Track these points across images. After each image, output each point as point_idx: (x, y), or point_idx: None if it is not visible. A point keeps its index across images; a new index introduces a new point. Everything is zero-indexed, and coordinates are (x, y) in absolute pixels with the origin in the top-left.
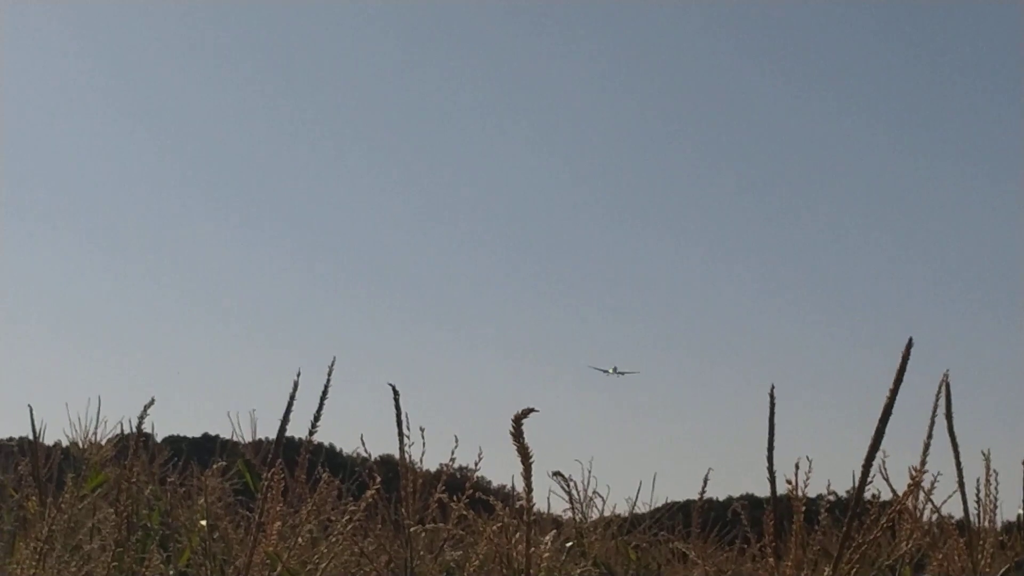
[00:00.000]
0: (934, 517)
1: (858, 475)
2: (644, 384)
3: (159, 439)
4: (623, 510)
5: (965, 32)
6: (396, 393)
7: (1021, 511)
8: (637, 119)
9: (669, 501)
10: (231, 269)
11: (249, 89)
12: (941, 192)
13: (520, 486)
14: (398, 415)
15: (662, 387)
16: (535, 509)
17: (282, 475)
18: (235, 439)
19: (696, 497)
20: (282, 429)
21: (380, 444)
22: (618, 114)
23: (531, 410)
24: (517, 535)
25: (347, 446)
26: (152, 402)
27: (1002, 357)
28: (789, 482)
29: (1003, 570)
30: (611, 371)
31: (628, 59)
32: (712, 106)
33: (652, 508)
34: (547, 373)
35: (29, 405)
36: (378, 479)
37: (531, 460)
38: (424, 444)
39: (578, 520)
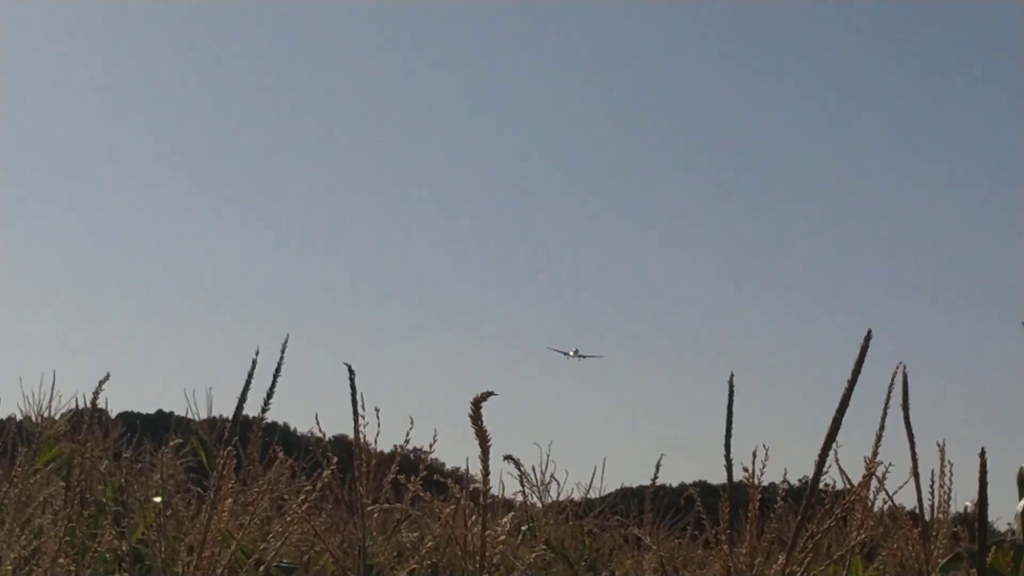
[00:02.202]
0: (887, 507)
1: (814, 464)
2: (604, 369)
3: (113, 415)
4: (577, 495)
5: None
6: (352, 372)
7: (969, 504)
8: (610, 102)
9: (623, 486)
10: (189, 245)
11: (222, 64)
12: (902, 182)
13: (474, 469)
14: (353, 395)
15: (622, 372)
16: (489, 493)
17: (236, 453)
18: (190, 416)
19: (649, 483)
20: (239, 407)
21: (335, 424)
22: (588, 95)
23: (490, 393)
24: (473, 518)
25: (301, 425)
26: (107, 377)
27: (960, 350)
28: (746, 470)
29: (946, 559)
30: (571, 354)
31: (614, 50)
32: (675, 84)
33: (605, 493)
34: (506, 356)
35: None
36: (334, 459)
37: (489, 444)
38: (379, 424)
39: (531, 504)
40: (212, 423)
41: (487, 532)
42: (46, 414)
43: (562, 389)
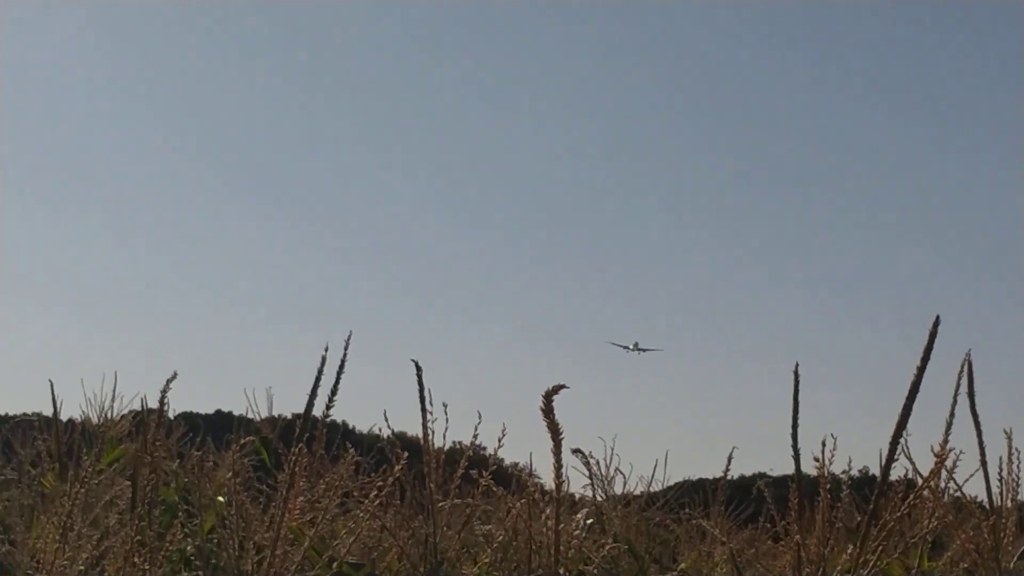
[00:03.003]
0: (956, 495)
1: (884, 453)
2: (664, 362)
3: (174, 415)
4: (640, 488)
5: (972, 19)
6: (419, 369)
7: None
8: (668, 100)
9: (686, 479)
10: (246, 246)
11: (263, 71)
12: (964, 169)
13: (535, 464)
14: (420, 391)
15: (681, 365)
16: (562, 487)
17: (305, 451)
18: (250, 416)
19: (715, 476)
20: (310, 403)
21: (396, 421)
22: (648, 94)
23: (562, 386)
24: (547, 511)
25: (360, 424)
26: (175, 376)
27: None
28: (816, 459)
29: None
30: (631, 347)
31: (648, 40)
32: (739, 93)
33: (667, 486)
34: (564, 351)
35: (50, 380)
36: (404, 454)
37: (561, 437)
38: (447, 420)
39: (598, 498)
40: (273, 422)
41: (561, 526)
42: (108, 415)
43: (623, 383)
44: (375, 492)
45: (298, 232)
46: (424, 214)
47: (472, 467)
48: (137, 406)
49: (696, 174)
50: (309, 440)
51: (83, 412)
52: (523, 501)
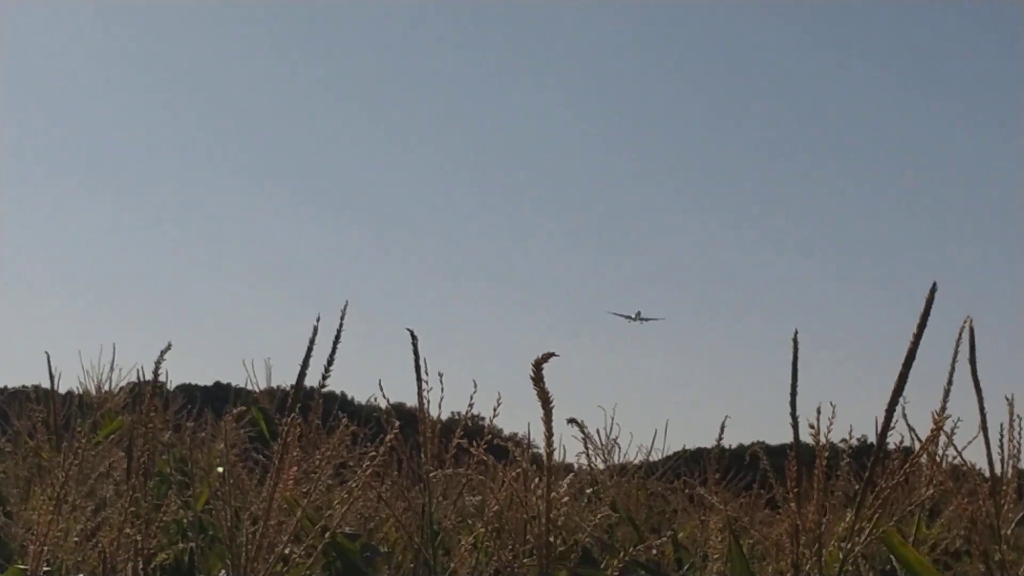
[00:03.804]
0: (956, 461)
1: (880, 420)
2: (667, 331)
3: (172, 387)
4: (639, 458)
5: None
6: (414, 338)
7: None
8: (669, 78)
9: (684, 448)
10: (242, 216)
11: (259, 41)
12: (960, 133)
13: (535, 434)
14: (416, 360)
15: (684, 335)
16: (553, 456)
17: (299, 421)
18: (249, 387)
19: (712, 444)
20: (302, 374)
21: (393, 392)
22: (647, 67)
23: (551, 354)
24: (536, 480)
25: (359, 394)
26: (169, 347)
27: None
28: (812, 427)
29: (1021, 515)
30: (634, 317)
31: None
32: (733, 64)
33: (665, 456)
34: (566, 320)
35: (46, 352)
36: (397, 424)
37: (551, 405)
38: (443, 390)
39: (593, 467)
40: (272, 393)
41: (551, 494)
42: (106, 387)
43: (624, 353)
44: (368, 462)
45: (299, 203)
46: (424, 183)
47: (470, 438)
48: (135, 378)
49: (697, 147)
50: (304, 410)
51: (81, 384)
52: (516, 471)
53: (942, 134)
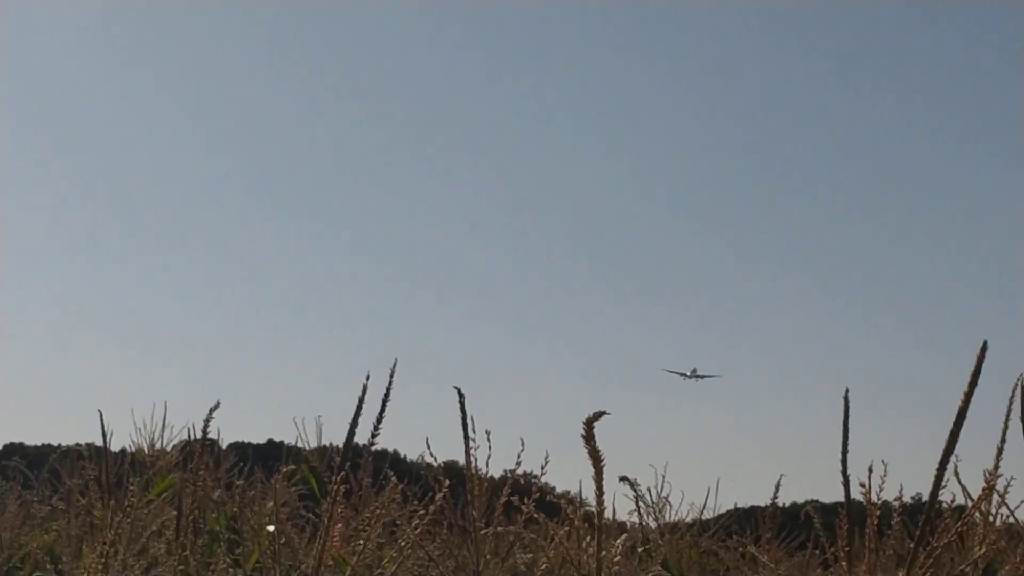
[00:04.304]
0: (1009, 520)
1: (932, 479)
2: (716, 388)
3: (225, 445)
4: (691, 516)
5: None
6: (461, 396)
7: None
8: (719, 126)
9: (736, 507)
10: (297, 275)
11: (313, 98)
12: (1016, 191)
13: (586, 492)
14: (463, 418)
15: (739, 393)
16: (603, 514)
17: (347, 479)
18: (300, 445)
19: (765, 503)
20: (351, 433)
21: (445, 450)
22: (701, 117)
23: (602, 413)
24: (588, 539)
25: (411, 452)
26: (217, 405)
27: None
28: (863, 486)
29: None
30: (689, 375)
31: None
32: (793, 111)
33: (718, 514)
34: (620, 378)
35: (99, 410)
36: (446, 483)
37: (603, 464)
38: (490, 448)
39: (645, 525)
40: (322, 451)
41: (603, 553)
42: (158, 445)
43: (676, 410)
44: (416, 520)
45: (354, 262)
46: (481, 242)
47: (520, 495)
48: (187, 436)
49: (759, 203)
50: (354, 468)
51: (133, 442)
52: (566, 528)
53: (1004, 191)
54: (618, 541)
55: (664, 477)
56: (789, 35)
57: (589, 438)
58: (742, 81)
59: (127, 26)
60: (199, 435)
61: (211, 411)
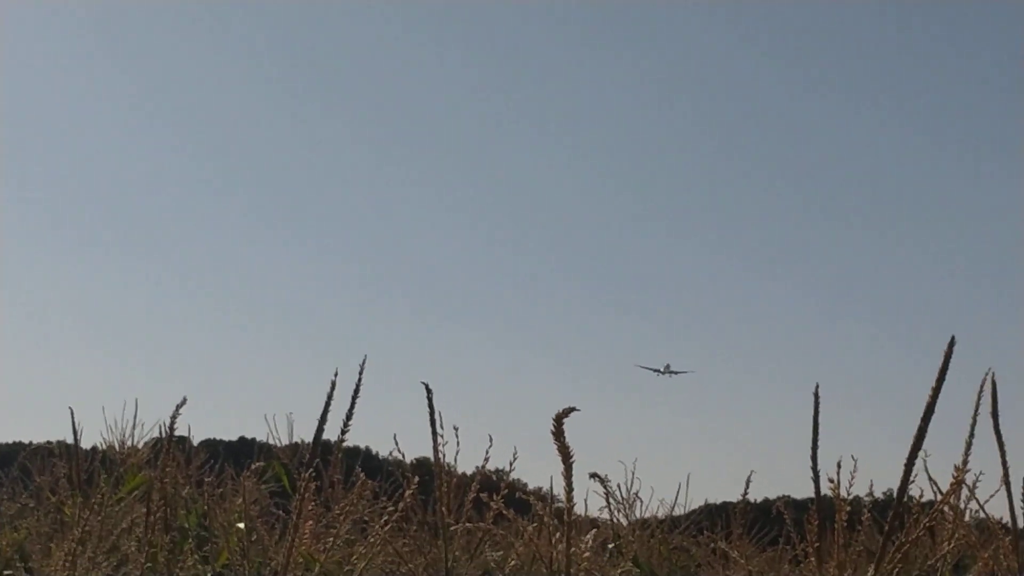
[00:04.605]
0: (979, 514)
1: (900, 474)
2: (687, 384)
3: (196, 442)
4: (661, 512)
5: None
6: (429, 391)
7: None
8: (686, 119)
9: (707, 503)
10: (266, 272)
11: (279, 99)
12: (982, 186)
13: (557, 488)
14: (431, 414)
15: (711, 388)
16: (573, 510)
17: (317, 476)
18: (271, 442)
19: (736, 499)
20: (319, 430)
21: (416, 446)
22: (666, 113)
23: (572, 409)
24: (557, 535)
25: (383, 449)
26: (184, 401)
27: None
28: (832, 481)
29: None
30: (662, 370)
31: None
32: (760, 109)
33: (689, 510)
34: (591, 374)
35: (70, 408)
36: (415, 479)
37: (572, 460)
38: (459, 444)
39: (616, 521)
40: (294, 448)
41: (572, 549)
42: (129, 443)
43: (647, 406)
44: (385, 517)
45: (322, 260)
46: (449, 236)
47: (489, 491)
48: (158, 434)
49: (728, 198)
50: (325, 465)
51: (104, 439)
52: (534, 524)
53: (971, 187)
54: (587, 537)
55: (634, 474)
56: (772, 36)
57: (559, 434)
58: (718, 81)
59: (118, 31)
60: (167, 431)
61: (178, 407)
